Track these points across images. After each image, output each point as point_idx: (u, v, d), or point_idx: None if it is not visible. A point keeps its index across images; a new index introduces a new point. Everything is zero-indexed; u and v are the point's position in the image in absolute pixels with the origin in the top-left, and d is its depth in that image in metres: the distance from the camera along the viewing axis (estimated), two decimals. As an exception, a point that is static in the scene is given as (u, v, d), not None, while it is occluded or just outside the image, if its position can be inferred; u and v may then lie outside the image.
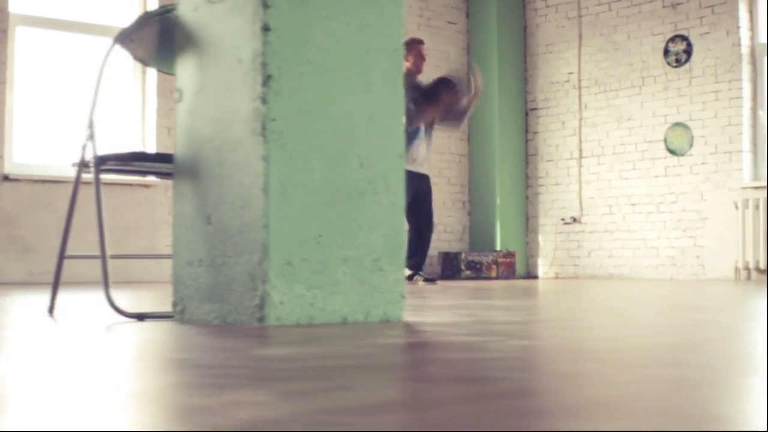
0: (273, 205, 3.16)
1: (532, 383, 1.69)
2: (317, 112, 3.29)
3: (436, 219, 10.76)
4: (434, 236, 10.72)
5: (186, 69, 3.53)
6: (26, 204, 8.22)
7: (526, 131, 11.11)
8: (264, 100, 3.18)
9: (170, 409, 1.36)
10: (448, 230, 10.89)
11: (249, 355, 2.21)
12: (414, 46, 8.16)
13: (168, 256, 3.72)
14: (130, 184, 8.66)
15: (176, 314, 3.48)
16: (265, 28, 3.21)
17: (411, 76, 8.05)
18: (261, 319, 3.14)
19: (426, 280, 8.15)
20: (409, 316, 3.62)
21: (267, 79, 3.19)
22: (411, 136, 7.99)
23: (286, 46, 3.24)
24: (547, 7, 11.00)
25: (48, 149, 8.67)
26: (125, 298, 5.19)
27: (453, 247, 10.84)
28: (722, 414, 1.31)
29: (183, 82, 3.54)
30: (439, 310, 4.20)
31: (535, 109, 11.08)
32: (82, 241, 8.20)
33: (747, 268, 9.43)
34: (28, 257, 8.16)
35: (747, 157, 9.60)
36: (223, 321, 3.27)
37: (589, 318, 3.58)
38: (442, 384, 1.67)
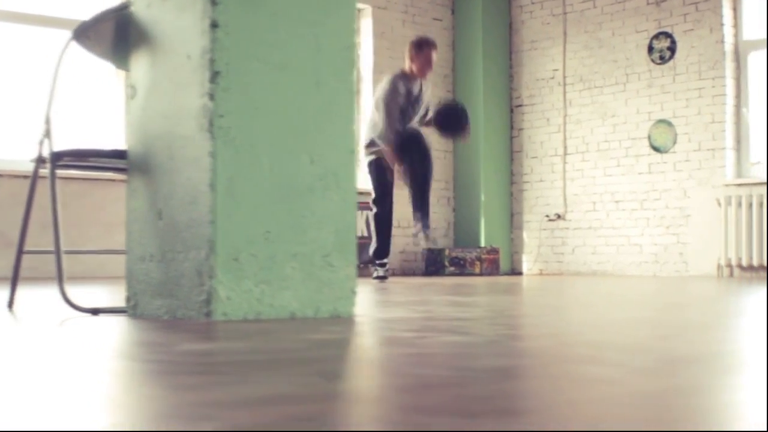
0: (220, 201, 3.18)
1: (430, 379, 1.70)
2: (267, 109, 3.30)
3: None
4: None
5: (139, 65, 3.55)
6: (7, 200, 8.24)
7: (511, 128, 11.12)
8: (212, 97, 3.20)
9: (49, 401, 1.37)
10: (432, 226, 10.90)
11: (173, 350, 2.23)
12: (424, 50, 7.87)
13: (122, 252, 3.73)
14: (113, 180, 8.67)
15: (129, 309, 3.49)
16: (214, 25, 3.22)
17: (407, 79, 7.87)
18: (208, 314, 3.16)
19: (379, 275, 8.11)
20: (365, 312, 3.63)
21: (215, 76, 3.21)
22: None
23: (235, 43, 3.25)
24: (533, 3, 11.01)
25: (30, 145, 8.69)
26: (95, 293, 5.20)
27: (438, 243, 10.85)
28: (607, 415, 1.33)
29: (136, 78, 3.56)
30: (399, 306, 4.21)
31: (520, 105, 11.09)
32: (64, 236, 8.22)
33: (729, 266, 9.45)
34: (9, 252, 8.18)
35: (730, 155, 9.62)
36: (172, 316, 3.29)
37: (543, 314, 3.59)
38: (341, 380, 1.68)
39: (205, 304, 3.17)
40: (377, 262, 8.14)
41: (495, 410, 1.32)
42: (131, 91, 3.58)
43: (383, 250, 8.14)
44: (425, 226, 8.06)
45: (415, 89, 7.95)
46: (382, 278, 8.10)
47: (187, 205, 3.26)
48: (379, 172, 8.16)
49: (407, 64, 7.91)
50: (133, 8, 3.58)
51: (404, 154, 7.78)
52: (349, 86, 3.50)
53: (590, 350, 2.22)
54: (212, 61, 3.21)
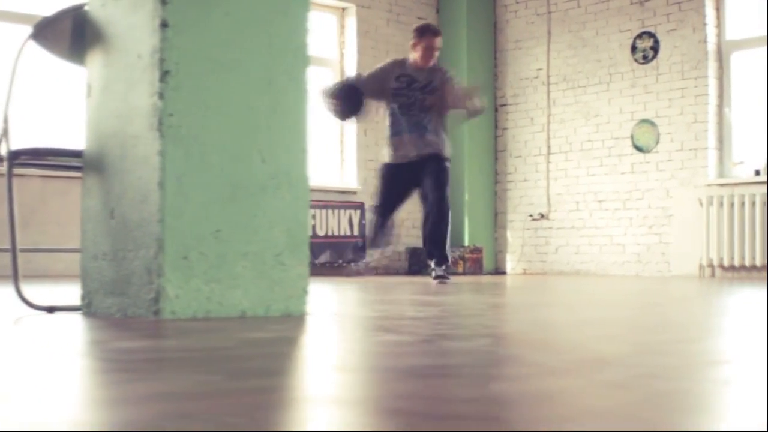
0: (169, 200, 3.19)
1: (334, 379, 1.71)
2: (217, 108, 3.31)
3: (405, 214, 10.80)
4: (403, 231, 10.76)
5: (94, 64, 3.56)
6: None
7: (496, 127, 11.13)
8: (161, 96, 3.21)
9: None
10: (416, 226, 10.91)
11: (107, 347, 2.25)
12: (424, 38, 7.50)
13: (76, 250, 3.74)
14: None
15: (84, 307, 3.51)
16: (164, 24, 3.23)
17: (404, 65, 7.55)
18: (156, 313, 3.17)
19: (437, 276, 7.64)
20: (322, 310, 3.65)
21: (164, 75, 3.22)
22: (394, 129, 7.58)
23: (185, 42, 3.26)
24: (517, 3, 11.02)
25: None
26: (57, 292, 5.21)
27: (421, 242, 10.86)
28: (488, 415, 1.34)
29: (92, 77, 3.57)
30: (361, 305, 4.23)
31: (505, 105, 11.10)
32: (42, 234, 8.24)
33: (711, 266, 9.46)
34: (-11, 250, 8.18)
35: (712, 155, 9.63)
36: (124, 314, 3.30)
37: (499, 314, 3.60)
38: (244, 378, 1.69)
39: (153, 303, 3.18)
40: (441, 264, 7.63)
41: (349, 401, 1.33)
42: (87, 90, 3.59)
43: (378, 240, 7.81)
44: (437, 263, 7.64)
45: (420, 77, 7.50)
46: (442, 278, 7.60)
47: (137, 204, 3.27)
48: (388, 179, 7.74)
49: (411, 54, 7.59)
50: (88, 7, 3.59)
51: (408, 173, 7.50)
52: (302, 85, 3.52)
53: (517, 350, 2.24)
54: (162, 61, 3.22)
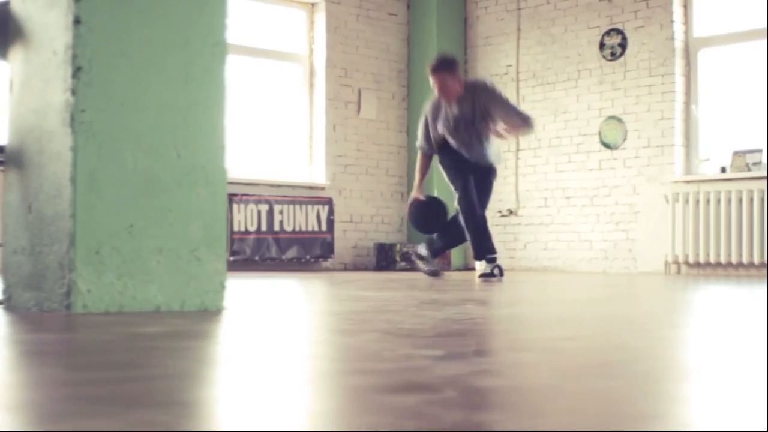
0: (80, 195, 3.21)
1: (172, 371, 1.74)
2: (132, 104, 3.33)
3: (374, 210, 10.83)
4: (372, 228, 10.78)
5: (16, 60, 3.58)
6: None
7: (466, 123, 11.14)
8: (74, 92, 3.23)
9: None
10: (385, 221, 10.95)
11: (-21, 341, 2.27)
12: (432, 77, 7.27)
13: (-2, 245, 3.76)
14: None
15: (5, 301, 3.53)
16: (77, 21, 3.25)
17: (437, 105, 7.38)
18: (68, 307, 3.19)
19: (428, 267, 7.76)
20: (245, 306, 3.68)
21: (77, 71, 3.24)
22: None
23: (98, 39, 3.28)
24: (488, -1, 11.04)
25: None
26: None
27: (391, 238, 10.89)
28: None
29: (14, 73, 3.59)
30: (296, 300, 4.25)
31: (475, 101, 11.10)
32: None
33: (677, 262, 9.49)
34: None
35: (679, 151, 9.65)
36: (40, 308, 3.32)
37: (420, 311, 3.62)
38: (83, 371, 1.71)
39: (65, 297, 3.20)
40: (487, 257, 7.55)
41: (170, 402, 1.35)
42: (10, 85, 3.61)
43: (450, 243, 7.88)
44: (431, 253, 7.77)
45: (453, 111, 7.29)
46: (489, 275, 7.49)
47: (52, 199, 3.30)
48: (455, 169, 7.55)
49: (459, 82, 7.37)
50: (11, 4, 3.61)
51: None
52: (220, 81, 3.53)
53: (388, 344, 2.26)
54: (74, 57, 3.24)
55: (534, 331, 2.63)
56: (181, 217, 3.39)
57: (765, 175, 9.03)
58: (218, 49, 3.53)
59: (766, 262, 8.93)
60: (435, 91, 7.29)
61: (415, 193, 7.80)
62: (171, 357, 1.97)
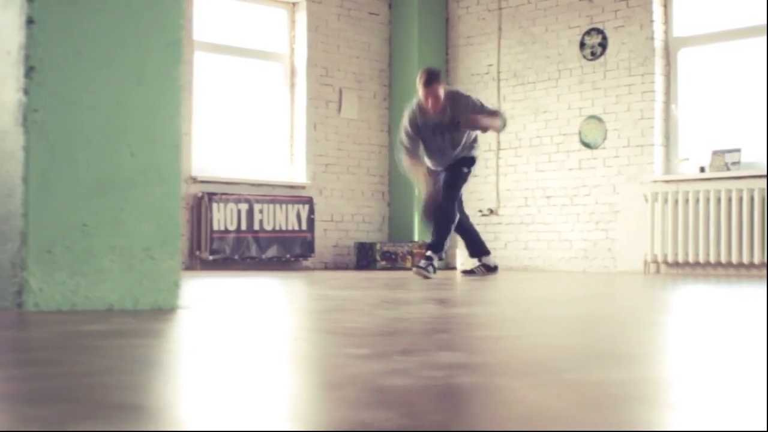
0: (32, 195, 3.22)
1: (83, 368, 1.75)
2: (84, 103, 3.34)
3: (355, 209, 10.84)
4: (353, 227, 10.79)
5: (-27, 59, 3.58)
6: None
7: (447, 123, 11.15)
8: (26, 92, 3.24)
9: None
10: (366, 221, 10.96)
11: None
12: (421, 89, 7.58)
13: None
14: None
15: (-39, 300, 3.53)
16: (29, 21, 3.26)
17: (422, 110, 7.68)
18: (20, 305, 3.20)
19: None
20: (203, 304, 3.69)
21: (29, 71, 3.25)
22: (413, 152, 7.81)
23: (51, 39, 3.29)
24: (469, -1, 11.06)
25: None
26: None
27: (372, 237, 10.90)
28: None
29: (-29, 72, 3.59)
30: (259, 299, 4.26)
31: (456, 100, 11.11)
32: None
33: (656, 262, 9.51)
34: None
35: (658, 151, 9.67)
36: (-7, 307, 3.33)
37: (374, 309, 3.63)
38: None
39: (17, 295, 3.21)
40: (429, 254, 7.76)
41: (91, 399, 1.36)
42: (-33, 84, 3.62)
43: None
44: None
45: (434, 119, 7.66)
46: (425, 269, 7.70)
47: (5, 198, 3.31)
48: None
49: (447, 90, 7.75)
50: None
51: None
52: (175, 82, 3.54)
53: (318, 343, 2.27)
54: (27, 57, 3.25)
55: (474, 331, 2.65)
56: (135, 216, 3.40)
57: (746, 174, 9.06)
58: (173, 48, 3.54)
59: (747, 261, 8.95)
60: (423, 100, 7.59)
61: (428, 188, 7.78)
62: (98, 355, 1.98)
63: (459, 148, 7.88)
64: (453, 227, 7.95)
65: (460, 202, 8.22)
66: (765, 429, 1.14)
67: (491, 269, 8.37)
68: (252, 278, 6.95)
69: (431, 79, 7.56)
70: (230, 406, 1.31)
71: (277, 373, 1.69)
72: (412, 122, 7.74)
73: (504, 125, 7.95)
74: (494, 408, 1.32)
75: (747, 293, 4.99)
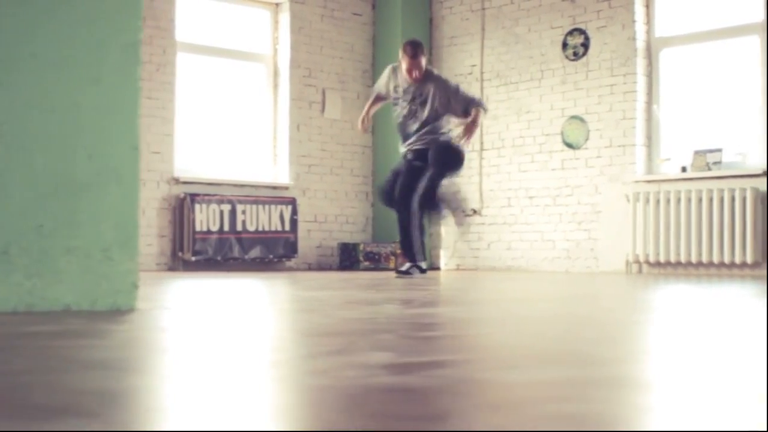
0: (-13, 196, 3.22)
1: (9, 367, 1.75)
2: (41, 106, 3.34)
3: (338, 210, 10.84)
4: (336, 227, 10.79)
5: (-69, 60, 3.58)
6: None
7: (431, 123, 11.16)
8: (-19, 93, 3.24)
9: None
10: (350, 221, 10.97)
11: None
12: (403, 58, 7.74)
13: None
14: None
15: None
16: (-15, 22, 3.26)
17: (397, 73, 7.85)
18: (-25, 307, 3.20)
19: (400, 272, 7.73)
20: (172, 306, 3.69)
21: (-16, 72, 3.24)
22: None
23: (6, 40, 3.29)
24: (452, -1, 11.07)
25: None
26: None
27: (356, 238, 10.90)
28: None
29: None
30: (223, 300, 4.27)
31: (440, 101, 11.12)
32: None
33: (638, 262, 9.52)
34: None
35: (640, 151, 9.69)
36: (-49, 309, 3.32)
37: (335, 310, 3.64)
38: None
39: (-28, 297, 3.21)
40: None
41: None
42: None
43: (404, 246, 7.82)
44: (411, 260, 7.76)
45: (411, 88, 7.81)
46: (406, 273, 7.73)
47: (-39, 200, 3.30)
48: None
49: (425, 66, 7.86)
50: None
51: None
52: (133, 83, 3.54)
53: (257, 345, 2.27)
54: (-18, 58, 3.25)
55: (421, 332, 2.65)
56: (92, 217, 3.40)
57: (728, 174, 9.08)
58: (131, 49, 3.53)
59: (728, 261, 8.96)
60: (407, 72, 7.74)
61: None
62: (22, 356, 1.98)
63: (423, 128, 7.86)
64: (415, 228, 7.78)
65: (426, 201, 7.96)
66: (765, 429, 1.14)
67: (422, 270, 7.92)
68: (230, 279, 6.95)
69: (419, 51, 7.73)
70: (145, 407, 1.31)
71: (191, 373, 1.70)
72: (386, 84, 7.99)
73: (485, 112, 8.11)
74: (386, 407, 1.32)
75: (729, 293, 5.00)
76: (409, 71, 7.72)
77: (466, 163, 10.41)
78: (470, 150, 10.59)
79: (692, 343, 2.30)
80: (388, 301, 4.17)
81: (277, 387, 1.53)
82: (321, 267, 10.65)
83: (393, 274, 8.37)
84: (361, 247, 10.35)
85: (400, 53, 7.81)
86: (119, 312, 3.34)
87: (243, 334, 2.54)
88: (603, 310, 3.77)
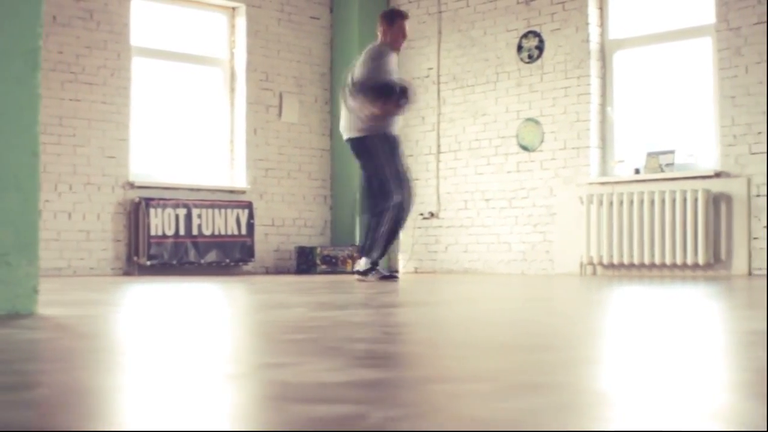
0: None
1: None
2: (-64, 111, 3.34)
3: (296, 213, 10.84)
4: (294, 231, 10.79)
5: None
6: None
7: (388, 126, 11.18)
8: None
9: None
10: (308, 225, 10.97)
11: None
12: (396, 21, 7.66)
13: None
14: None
15: None
16: None
17: (387, 49, 7.57)
18: None
19: (384, 277, 7.54)
20: (79, 311, 3.69)
21: None
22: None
23: None
24: (410, 2, 11.09)
25: None
26: None
27: (314, 241, 10.91)
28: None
29: None
30: (145, 302, 4.27)
31: (397, 104, 11.13)
32: None
33: (592, 264, 9.55)
34: None
35: (594, 153, 9.73)
36: None
37: (256, 312, 3.64)
38: None
39: None
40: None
41: None
42: None
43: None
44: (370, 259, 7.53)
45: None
46: (389, 277, 7.62)
47: None
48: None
49: (379, 39, 7.66)
50: None
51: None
52: (33, 90, 3.54)
53: (143, 348, 2.28)
54: None
55: (292, 334, 2.66)
56: (-9, 223, 3.40)
57: (680, 176, 9.13)
58: (30, 56, 3.54)
59: (681, 262, 9.00)
60: (402, 39, 7.72)
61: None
62: None
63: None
64: (370, 227, 7.63)
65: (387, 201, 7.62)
66: (765, 429, 1.15)
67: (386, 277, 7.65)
68: (177, 284, 6.94)
69: (405, 15, 7.84)
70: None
71: (42, 373, 1.70)
72: (389, 56, 7.60)
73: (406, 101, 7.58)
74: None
75: (681, 294, 5.02)
76: (404, 37, 7.74)
77: (423, 165, 10.48)
78: (428, 153, 10.63)
79: (647, 351, 2.32)
80: (306, 304, 4.18)
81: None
82: (278, 271, 10.65)
83: (352, 276, 8.30)
84: (318, 250, 10.36)
85: (388, 21, 7.64)
86: (18, 316, 3.34)
87: (134, 338, 2.55)
88: (555, 314, 3.78)
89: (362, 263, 7.56)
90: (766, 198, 8.63)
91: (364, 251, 7.61)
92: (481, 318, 3.40)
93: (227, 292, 5.58)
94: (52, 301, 4.32)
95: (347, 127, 7.57)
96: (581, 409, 1.32)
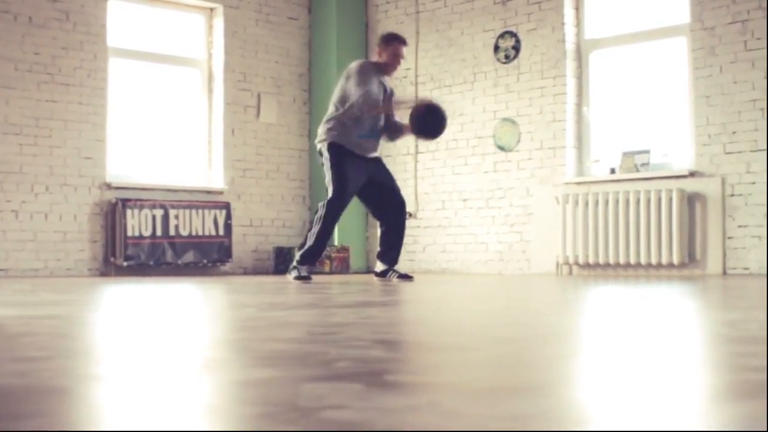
0: None
1: None
2: None
3: (275, 214, 10.85)
4: (273, 231, 10.80)
5: None
6: None
7: (367, 127, 11.18)
8: None
9: None
10: (287, 225, 10.98)
11: None
12: (391, 44, 7.42)
13: None
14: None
15: None
16: None
17: (379, 70, 7.40)
18: None
19: (401, 276, 7.71)
20: (34, 313, 3.70)
21: None
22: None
23: None
24: (387, 3, 11.10)
25: None
26: None
27: (292, 242, 10.91)
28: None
29: None
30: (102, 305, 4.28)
31: (376, 104, 11.14)
32: None
33: (568, 263, 9.57)
34: None
35: (571, 153, 9.75)
36: None
37: (217, 312, 3.65)
38: None
39: None
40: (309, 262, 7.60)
41: None
42: None
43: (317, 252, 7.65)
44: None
45: (382, 87, 7.45)
46: (405, 277, 7.76)
47: None
48: (352, 168, 7.54)
49: (376, 57, 7.56)
50: None
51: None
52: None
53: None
54: None
55: (227, 334, 2.68)
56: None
57: (656, 176, 9.15)
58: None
59: (656, 262, 9.02)
60: (397, 63, 7.50)
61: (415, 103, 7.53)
62: None
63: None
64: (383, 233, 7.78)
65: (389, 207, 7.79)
66: (765, 429, 1.15)
67: (402, 276, 7.83)
68: (151, 285, 6.94)
69: (406, 41, 7.62)
70: None
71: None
72: (375, 74, 7.39)
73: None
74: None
75: (656, 294, 5.04)
76: (398, 62, 7.51)
77: (401, 166, 10.50)
78: (406, 153, 10.65)
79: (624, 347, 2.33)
80: (262, 305, 4.19)
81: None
82: (257, 271, 10.66)
83: (328, 277, 8.31)
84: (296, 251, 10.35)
85: (384, 43, 7.47)
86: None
87: (68, 338, 2.56)
88: (531, 312, 3.80)
89: (379, 265, 7.84)
90: (766, 198, 8.61)
91: (380, 256, 7.84)
92: (420, 319, 3.41)
93: (193, 292, 5.59)
94: (8, 302, 4.32)
95: (368, 148, 7.55)
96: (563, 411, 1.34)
